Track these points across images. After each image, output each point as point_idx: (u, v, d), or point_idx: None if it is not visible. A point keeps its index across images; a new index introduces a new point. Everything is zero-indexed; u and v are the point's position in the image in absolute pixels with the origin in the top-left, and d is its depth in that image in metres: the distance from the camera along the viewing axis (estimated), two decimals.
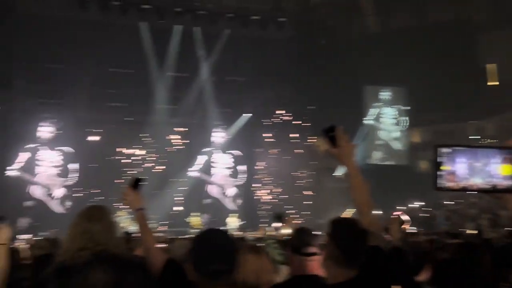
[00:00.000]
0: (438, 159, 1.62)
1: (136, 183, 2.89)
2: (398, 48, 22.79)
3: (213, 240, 2.10)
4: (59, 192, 23.99)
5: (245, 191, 27.55)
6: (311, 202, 23.60)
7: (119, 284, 2.01)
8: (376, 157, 26.14)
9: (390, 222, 3.32)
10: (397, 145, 26.57)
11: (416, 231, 10.99)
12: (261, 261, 3.46)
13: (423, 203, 22.47)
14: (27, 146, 23.50)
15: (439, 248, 5.17)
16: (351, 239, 2.29)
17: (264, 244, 5.44)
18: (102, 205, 2.74)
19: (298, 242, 2.75)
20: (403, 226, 3.50)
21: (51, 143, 24.14)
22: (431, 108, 24.60)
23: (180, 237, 15.39)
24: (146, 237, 2.84)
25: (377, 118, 26.24)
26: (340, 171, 22.72)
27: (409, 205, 22.00)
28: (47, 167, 24.12)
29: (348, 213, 15.31)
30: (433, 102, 24.02)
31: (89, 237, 2.52)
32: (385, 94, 26.39)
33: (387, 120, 26.39)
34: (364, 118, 25.98)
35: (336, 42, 23.04)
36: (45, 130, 23.98)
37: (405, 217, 3.40)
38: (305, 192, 24.48)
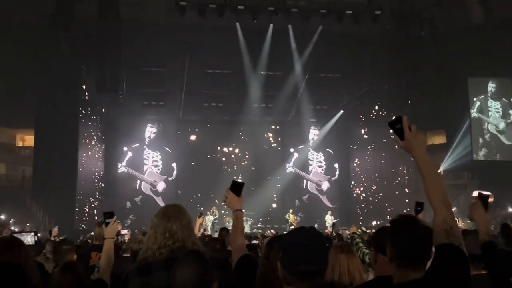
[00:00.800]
0: None
1: (236, 188, 3.02)
2: (501, 39, 21.14)
3: (303, 239, 2.06)
4: (161, 186, 25.35)
5: (341, 188, 27.22)
6: (407, 200, 22.66)
7: (200, 280, 2.06)
8: (482, 152, 24.49)
9: (471, 208, 2.93)
10: (504, 140, 24.67)
11: None
12: (353, 261, 3.38)
13: None
14: (135, 145, 25.09)
15: None
16: (407, 239, 2.15)
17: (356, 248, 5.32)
18: (179, 204, 2.84)
19: (384, 241, 2.65)
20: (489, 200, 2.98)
21: (155, 143, 25.60)
22: None
23: (269, 233, 15.68)
24: (235, 236, 3.01)
25: (481, 111, 24.58)
26: (441, 168, 21.64)
27: None
28: (151, 165, 25.57)
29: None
30: None
31: (168, 236, 2.62)
32: (490, 86, 24.64)
33: (492, 114, 24.62)
34: (468, 111, 24.44)
35: (436, 33, 21.85)
36: (149, 131, 25.51)
37: (485, 192, 3.02)
38: (406, 190, 23.55)
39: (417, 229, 2.16)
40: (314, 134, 27.55)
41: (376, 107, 25.07)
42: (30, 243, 5.27)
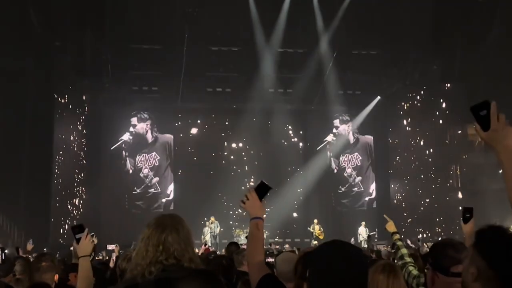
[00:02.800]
0: None
1: (262, 190, 3.01)
2: None
3: (337, 256, 2.04)
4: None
5: (378, 192, 27.15)
6: (461, 208, 22.44)
7: None
8: None
9: None
10: None
11: None
12: (396, 283, 3.35)
13: None
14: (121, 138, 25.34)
15: None
16: (507, 255, 2.10)
17: (400, 263, 5.26)
18: (175, 213, 2.84)
19: (445, 258, 2.60)
20: None
21: (146, 137, 25.78)
22: None
23: (287, 248, 15.67)
24: (255, 250, 2.98)
25: None
26: None
27: None
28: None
29: None
30: None
31: (162, 249, 2.61)
32: None
33: None
34: None
35: None
36: (139, 123, 25.71)
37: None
38: (459, 195, 23.36)
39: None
40: (345, 125, 27.53)
41: (422, 92, 24.89)
42: None
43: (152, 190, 25.89)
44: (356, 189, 27.64)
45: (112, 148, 25.40)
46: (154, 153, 26.02)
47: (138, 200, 25.63)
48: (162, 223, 2.74)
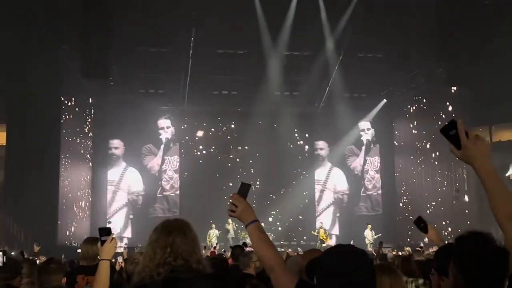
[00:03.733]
0: None
1: (244, 190, 2.93)
2: None
3: (343, 261, 2.04)
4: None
5: (384, 196, 27.09)
6: (467, 211, 22.37)
7: None
8: None
9: None
10: None
11: None
12: (397, 284, 3.36)
13: None
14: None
15: None
16: (477, 263, 2.10)
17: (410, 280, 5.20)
18: (180, 218, 2.86)
19: (449, 261, 2.61)
20: None
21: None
22: None
23: (290, 252, 15.62)
24: (267, 253, 2.77)
25: None
26: (510, 170, 21.32)
27: None
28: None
29: None
30: None
31: (169, 251, 2.63)
32: None
33: None
34: None
35: (503, 1, 21.47)
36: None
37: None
38: (466, 198, 23.26)
39: (491, 250, 2.12)
40: (357, 128, 27.48)
41: (428, 95, 24.81)
42: None
43: (160, 192, 25.96)
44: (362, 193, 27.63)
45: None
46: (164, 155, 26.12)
47: (146, 202, 25.66)
48: (168, 226, 2.76)
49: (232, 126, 27.09)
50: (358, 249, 2.17)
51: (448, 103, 23.57)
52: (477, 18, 20.85)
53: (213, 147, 26.58)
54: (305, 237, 25.33)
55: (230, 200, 2.89)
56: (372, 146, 27.57)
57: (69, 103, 22.78)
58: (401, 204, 26.79)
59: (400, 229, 25.20)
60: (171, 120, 26.25)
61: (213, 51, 22.90)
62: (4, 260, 5.64)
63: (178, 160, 26.24)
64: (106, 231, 3.76)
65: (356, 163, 27.73)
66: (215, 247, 17.35)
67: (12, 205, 21.03)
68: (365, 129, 27.57)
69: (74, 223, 22.68)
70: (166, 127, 26.19)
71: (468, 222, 21.92)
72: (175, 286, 2.46)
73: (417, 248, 13.59)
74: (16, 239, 20.44)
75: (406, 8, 21.17)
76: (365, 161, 27.74)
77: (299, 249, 19.56)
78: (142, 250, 5.34)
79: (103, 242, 3.71)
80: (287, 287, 2.57)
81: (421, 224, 4.37)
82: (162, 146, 26.11)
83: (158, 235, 2.72)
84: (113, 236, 3.75)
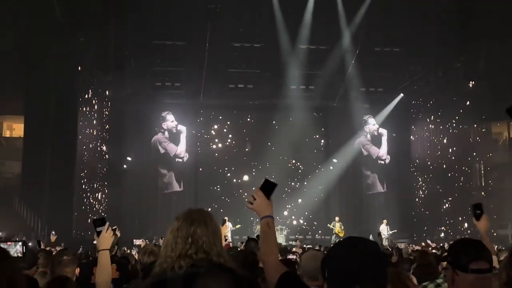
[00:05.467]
0: None
1: (268, 188, 2.99)
2: None
3: (355, 253, 2.03)
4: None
5: (400, 191, 26.98)
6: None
7: None
8: None
9: None
10: None
11: None
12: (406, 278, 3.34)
13: None
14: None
15: None
16: None
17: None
18: (202, 208, 2.86)
19: (463, 255, 2.59)
20: None
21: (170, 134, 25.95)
22: None
23: (309, 246, 15.64)
24: (270, 248, 2.93)
25: None
26: None
27: None
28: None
29: None
30: None
31: (191, 242, 2.63)
32: None
33: None
34: None
35: None
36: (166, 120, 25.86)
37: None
38: (483, 192, 23.10)
39: None
40: (369, 122, 27.36)
41: (445, 90, 24.61)
42: (19, 255, 5.36)
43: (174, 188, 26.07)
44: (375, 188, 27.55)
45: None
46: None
47: (162, 195, 25.80)
48: (190, 216, 2.76)
49: (248, 119, 27.10)
50: (369, 241, 2.16)
51: (465, 98, 23.36)
52: (495, 12, 20.65)
53: (229, 140, 26.62)
54: (320, 231, 25.33)
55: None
56: (387, 139, 27.40)
57: (86, 96, 22.93)
58: (416, 199, 26.67)
59: (418, 224, 25.13)
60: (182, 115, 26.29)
61: (229, 44, 22.92)
62: (24, 251, 5.70)
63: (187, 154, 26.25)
64: (101, 221, 3.78)
65: (373, 154, 27.61)
66: (230, 241, 17.39)
67: (29, 197, 21.28)
68: (380, 123, 27.43)
69: (90, 215, 22.88)
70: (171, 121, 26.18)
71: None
72: (195, 282, 2.47)
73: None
74: (33, 229, 20.68)
75: (424, 2, 21.02)
76: (380, 155, 27.61)
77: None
78: (156, 242, 5.36)
79: (99, 233, 3.74)
80: (272, 278, 2.74)
81: (477, 211, 4.35)
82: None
83: (180, 224, 2.72)
84: (108, 225, 3.76)
